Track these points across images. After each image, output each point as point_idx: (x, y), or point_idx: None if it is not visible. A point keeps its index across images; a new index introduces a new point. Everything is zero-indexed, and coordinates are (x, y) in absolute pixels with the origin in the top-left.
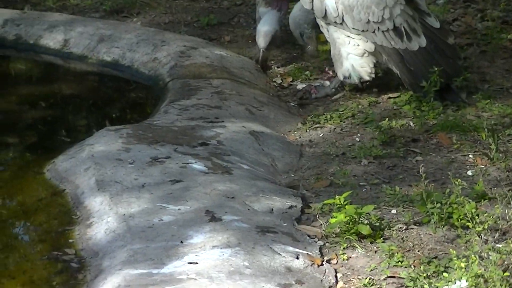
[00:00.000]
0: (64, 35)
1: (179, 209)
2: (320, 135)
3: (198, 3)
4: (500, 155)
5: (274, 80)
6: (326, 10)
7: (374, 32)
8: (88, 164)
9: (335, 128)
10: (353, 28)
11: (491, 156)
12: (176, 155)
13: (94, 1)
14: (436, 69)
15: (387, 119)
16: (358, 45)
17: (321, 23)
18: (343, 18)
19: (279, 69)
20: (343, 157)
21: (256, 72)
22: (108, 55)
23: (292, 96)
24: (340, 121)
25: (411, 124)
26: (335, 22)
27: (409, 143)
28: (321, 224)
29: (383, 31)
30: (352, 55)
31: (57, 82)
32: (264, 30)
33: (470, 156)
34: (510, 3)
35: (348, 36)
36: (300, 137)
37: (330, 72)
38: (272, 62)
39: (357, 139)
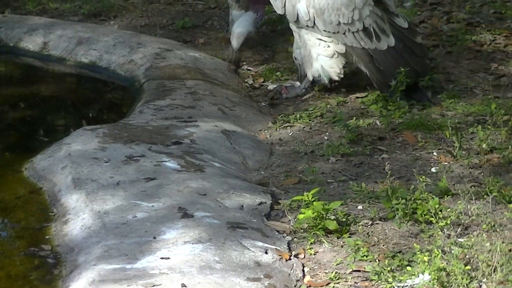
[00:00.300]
0: (44, 38)
1: (152, 206)
2: (290, 134)
3: (174, 6)
4: (463, 152)
5: (246, 80)
6: (298, 14)
7: (344, 33)
8: (65, 162)
9: (304, 127)
10: (324, 31)
11: (455, 154)
12: (150, 154)
13: (73, 5)
14: (402, 69)
15: (354, 118)
16: (329, 46)
17: (293, 27)
18: (314, 22)
19: (250, 70)
20: (311, 155)
21: (228, 73)
22: (86, 57)
23: (263, 96)
24: (309, 120)
25: (378, 123)
26: (307, 25)
27: (375, 141)
28: (290, 220)
29: (353, 32)
30: (322, 56)
31: (36, 84)
32: (238, 31)
33: (434, 153)
34: (475, 5)
35: (319, 39)
36: (270, 136)
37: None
38: (244, 63)
39: (326, 137)
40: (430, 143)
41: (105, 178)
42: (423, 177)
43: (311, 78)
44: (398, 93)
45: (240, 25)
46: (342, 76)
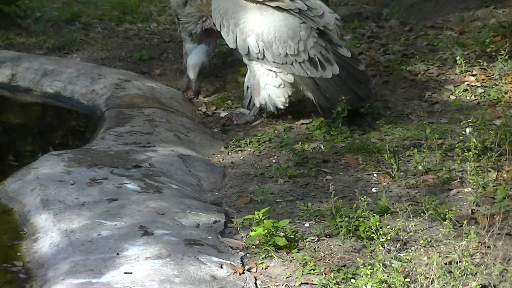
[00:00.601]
0: (12, 70)
1: (115, 224)
2: (241, 158)
3: (131, 40)
4: (401, 173)
5: (199, 108)
6: (248, 47)
7: (292, 64)
8: (34, 185)
9: (254, 151)
10: (273, 62)
11: (393, 175)
12: (112, 177)
13: (38, 39)
14: (343, 97)
15: (300, 142)
16: (277, 76)
17: (244, 59)
18: (264, 54)
19: (204, 98)
20: (261, 177)
21: (183, 102)
22: (51, 88)
23: (215, 123)
24: (259, 145)
25: (322, 147)
26: (257, 57)
27: (320, 164)
28: (242, 237)
29: (299, 63)
30: (270, 86)
31: (5, 112)
32: (193, 62)
33: (374, 175)
34: (409, 38)
35: (269, 69)
36: (223, 159)
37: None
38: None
39: (274, 161)
40: (370, 165)
41: (71, 199)
42: (365, 196)
43: (258, 106)
44: (340, 119)
45: (194, 57)
46: (287, 105)
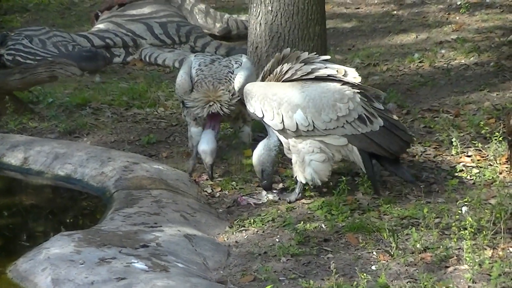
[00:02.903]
0: (24, 154)
1: None
2: (245, 237)
3: (140, 124)
4: (400, 252)
5: (205, 190)
6: (297, 124)
7: (343, 126)
8: (45, 265)
9: (258, 231)
10: (324, 130)
11: (392, 253)
12: (121, 256)
13: (50, 124)
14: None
15: (302, 222)
16: (321, 151)
17: (286, 140)
18: (314, 125)
19: (208, 180)
20: (265, 256)
21: (189, 183)
22: (62, 170)
23: (220, 203)
24: (262, 225)
25: (323, 226)
26: (307, 131)
27: (321, 243)
28: None
29: (350, 123)
30: (314, 162)
31: (18, 194)
32: (210, 148)
33: (374, 253)
34: (407, 120)
35: (314, 143)
36: (228, 239)
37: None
38: (203, 174)
39: (277, 239)
40: (370, 244)
41: (81, 278)
42: (365, 274)
43: (304, 182)
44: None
45: (209, 143)
46: (330, 176)
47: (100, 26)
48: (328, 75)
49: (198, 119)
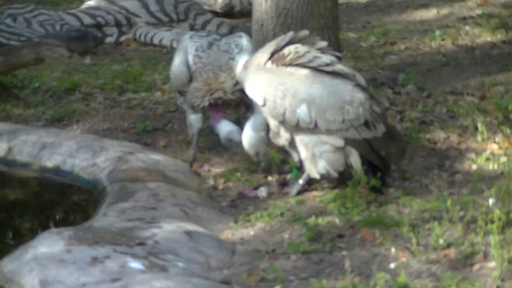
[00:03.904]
0: (8, 143)
1: None
2: (251, 233)
3: (134, 110)
4: (421, 248)
5: (207, 181)
6: (298, 119)
7: (347, 129)
8: (32, 265)
9: (265, 226)
10: (326, 130)
11: (412, 250)
12: (115, 255)
13: (36, 111)
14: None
15: (313, 216)
16: (327, 143)
17: (286, 133)
18: (316, 123)
19: (211, 171)
20: (273, 254)
21: (189, 175)
22: (50, 162)
23: (224, 196)
24: (270, 220)
25: (337, 220)
26: (308, 128)
27: (335, 239)
28: None
29: (355, 127)
30: (326, 153)
31: (1, 188)
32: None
33: (392, 250)
34: (427, 104)
35: (319, 137)
36: (232, 235)
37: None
38: (205, 164)
39: (286, 236)
40: (388, 240)
41: (71, 280)
42: (382, 273)
43: (318, 177)
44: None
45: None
46: (345, 165)
47: (91, 3)
48: (345, 73)
49: (196, 107)
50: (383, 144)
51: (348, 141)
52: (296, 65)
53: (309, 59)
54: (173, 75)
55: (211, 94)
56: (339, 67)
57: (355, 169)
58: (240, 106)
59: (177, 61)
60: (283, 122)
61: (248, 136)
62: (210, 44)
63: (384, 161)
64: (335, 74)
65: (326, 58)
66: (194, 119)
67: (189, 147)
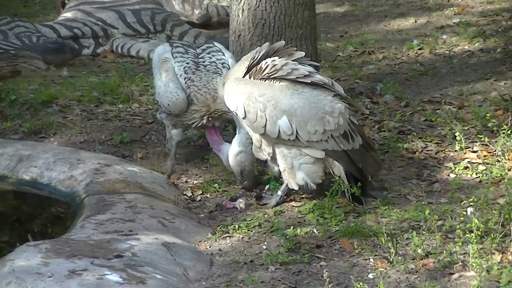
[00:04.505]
0: None
1: None
2: (229, 244)
3: (112, 122)
4: (399, 258)
5: (184, 193)
6: (279, 130)
7: (326, 140)
8: (10, 278)
9: (243, 237)
10: (307, 141)
11: (391, 260)
12: (92, 268)
13: (13, 123)
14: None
15: (292, 227)
16: (306, 155)
17: (269, 145)
18: (297, 135)
19: (188, 182)
20: (251, 265)
21: (167, 186)
22: (27, 174)
23: (202, 208)
24: (248, 230)
25: (315, 231)
26: (288, 139)
27: (313, 249)
28: None
29: (334, 138)
30: (304, 165)
31: None
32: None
33: (371, 260)
34: (405, 114)
35: (300, 150)
36: (210, 247)
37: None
38: (183, 176)
39: (264, 247)
40: (366, 250)
41: None
42: (361, 283)
43: (296, 188)
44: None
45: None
46: (324, 177)
47: (67, 14)
48: (324, 83)
49: (177, 124)
50: (361, 156)
51: (328, 152)
52: (275, 78)
53: (287, 72)
54: (171, 103)
55: (210, 114)
56: (318, 77)
57: (340, 176)
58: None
59: (172, 87)
60: (264, 135)
61: (234, 153)
62: (197, 65)
63: (361, 173)
64: (313, 84)
65: (304, 69)
66: (175, 133)
67: (167, 158)
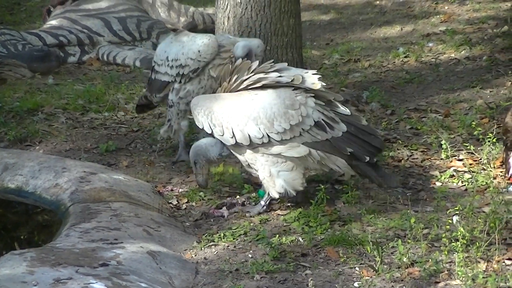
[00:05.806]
0: None
1: None
2: (215, 253)
3: (97, 130)
4: (385, 266)
5: (170, 201)
6: (249, 136)
7: (300, 134)
8: None
9: (228, 246)
10: (281, 140)
11: (376, 268)
12: (78, 276)
13: None
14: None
15: (277, 235)
16: (286, 161)
17: (247, 155)
18: (268, 137)
19: (174, 190)
20: (236, 273)
21: (152, 195)
22: (12, 183)
23: (187, 216)
24: (233, 239)
25: (300, 239)
26: (262, 143)
27: (298, 258)
28: None
29: (307, 131)
30: (283, 172)
31: None
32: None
33: (357, 268)
34: (391, 122)
35: (278, 155)
36: (195, 255)
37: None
38: (168, 184)
39: (250, 255)
40: (352, 258)
41: None
42: None
43: (276, 196)
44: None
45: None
46: (305, 184)
47: (53, 22)
48: (277, 82)
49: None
50: (347, 142)
51: (310, 145)
52: (246, 88)
53: (253, 81)
54: (204, 46)
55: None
56: (271, 79)
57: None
58: None
59: (200, 36)
60: (236, 145)
61: (197, 144)
62: None
63: (355, 158)
64: (279, 86)
65: (273, 74)
66: (184, 124)
67: (153, 166)
